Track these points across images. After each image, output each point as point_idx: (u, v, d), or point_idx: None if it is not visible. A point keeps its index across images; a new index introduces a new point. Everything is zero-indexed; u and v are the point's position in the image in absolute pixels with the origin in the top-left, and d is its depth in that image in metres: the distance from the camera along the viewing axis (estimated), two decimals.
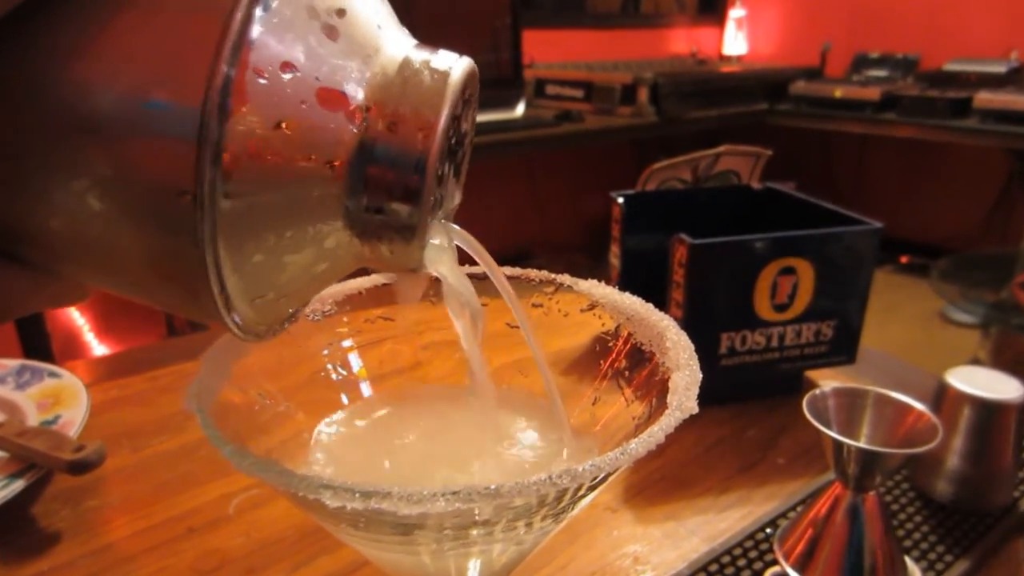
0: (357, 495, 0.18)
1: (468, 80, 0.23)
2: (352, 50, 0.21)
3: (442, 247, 0.24)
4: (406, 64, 0.22)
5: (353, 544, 0.24)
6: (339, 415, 0.30)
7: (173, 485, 0.52)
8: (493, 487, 0.18)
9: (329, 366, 0.31)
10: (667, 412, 0.22)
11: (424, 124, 0.21)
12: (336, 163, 0.20)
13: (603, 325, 0.30)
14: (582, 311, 0.30)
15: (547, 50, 2.71)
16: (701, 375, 0.25)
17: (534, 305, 0.31)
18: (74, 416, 0.55)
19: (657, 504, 0.49)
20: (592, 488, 0.23)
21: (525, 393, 0.32)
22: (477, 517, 0.21)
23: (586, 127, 2.22)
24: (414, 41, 0.23)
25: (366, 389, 0.32)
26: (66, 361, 0.74)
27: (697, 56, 3.20)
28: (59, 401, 0.58)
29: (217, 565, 0.44)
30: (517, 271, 0.32)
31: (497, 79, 2.25)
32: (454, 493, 0.18)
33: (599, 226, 0.71)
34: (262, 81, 0.18)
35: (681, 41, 3.32)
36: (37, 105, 0.19)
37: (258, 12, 0.18)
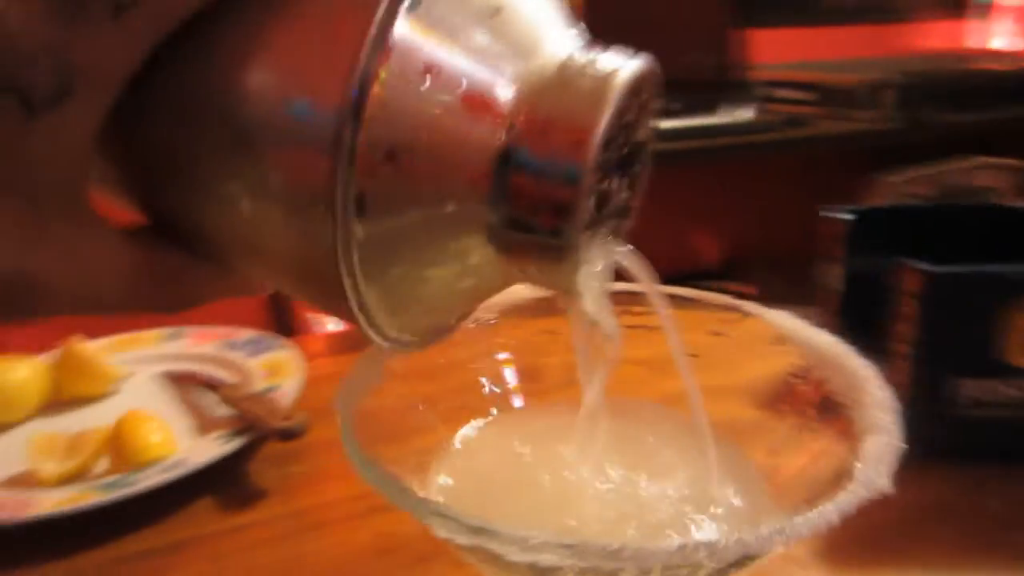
0: (465, 528, 0.17)
1: (640, 83, 0.20)
2: (505, 52, 0.19)
3: (596, 271, 0.22)
4: (566, 66, 0.20)
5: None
6: (478, 426, 0.29)
7: None
8: (612, 548, 0.16)
9: (483, 379, 0.30)
10: (851, 487, 0.19)
11: (579, 131, 0.19)
12: (478, 173, 0.19)
13: (791, 363, 0.26)
14: (770, 344, 0.27)
15: (777, 49, 2.55)
16: (903, 445, 0.21)
17: (714, 333, 0.28)
18: (291, 386, 0.60)
19: (857, 568, 0.43)
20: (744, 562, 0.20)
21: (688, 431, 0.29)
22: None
23: (815, 132, 2.07)
24: (583, 41, 0.21)
25: (518, 403, 0.31)
26: (302, 335, 0.80)
27: (957, 53, 2.85)
28: (281, 371, 0.63)
29: (393, 546, 0.46)
30: (699, 294, 0.29)
31: (716, 81, 2.16)
32: (568, 546, 0.16)
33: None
34: (401, 88, 0.18)
35: (938, 36, 2.98)
36: (199, 114, 0.19)
37: (401, 16, 0.17)
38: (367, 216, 0.18)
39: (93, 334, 0.70)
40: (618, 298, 0.29)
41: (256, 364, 0.66)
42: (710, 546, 0.16)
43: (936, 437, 0.51)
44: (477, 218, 0.20)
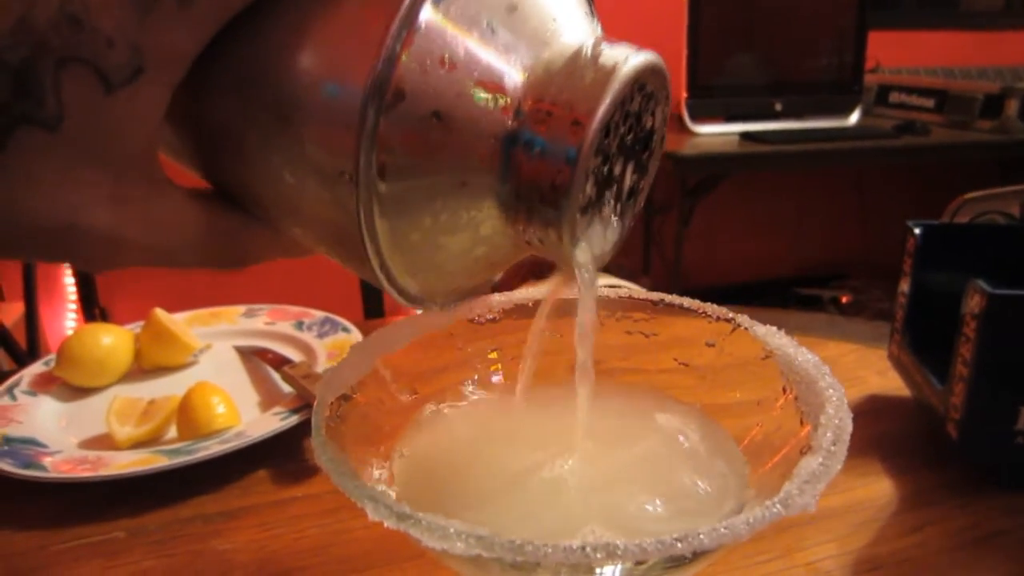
0: (394, 515, 0.18)
1: (643, 75, 0.22)
2: (519, 43, 0.21)
3: (594, 245, 0.23)
4: (575, 57, 0.21)
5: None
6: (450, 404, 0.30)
7: None
8: (517, 542, 0.16)
9: (473, 374, 0.31)
10: (768, 503, 0.19)
11: (578, 118, 0.21)
12: (489, 152, 0.21)
13: (772, 378, 0.26)
14: (759, 359, 0.27)
15: (900, 53, 2.42)
16: (838, 467, 0.20)
17: (708, 344, 0.28)
18: None
19: None
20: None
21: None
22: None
23: (931, 141, 1.95)
24: (598, 33, 0.23)
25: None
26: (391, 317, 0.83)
27: None
28: (344, 354, 0.66)
29: None
30: (695, 303, 0.29)
31: (833, 83, 2.08)
32: (479, 538, 0.17)
33: None
34: (421, 75, 0.20)
35: None
36: (248, 91, 0.22)
37: (426, 6, 0.19)
38: (387, 188, 0.21)
39: (180, 307, 0.75)
40: (619, 304, 0.30)
41: (323, 345, 0.69)
42: (607, 548, 0.16)
43: (992, 463, 0.49)
44: (488, 191, 0.22)
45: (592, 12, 0.24)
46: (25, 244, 0.21)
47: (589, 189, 0.22)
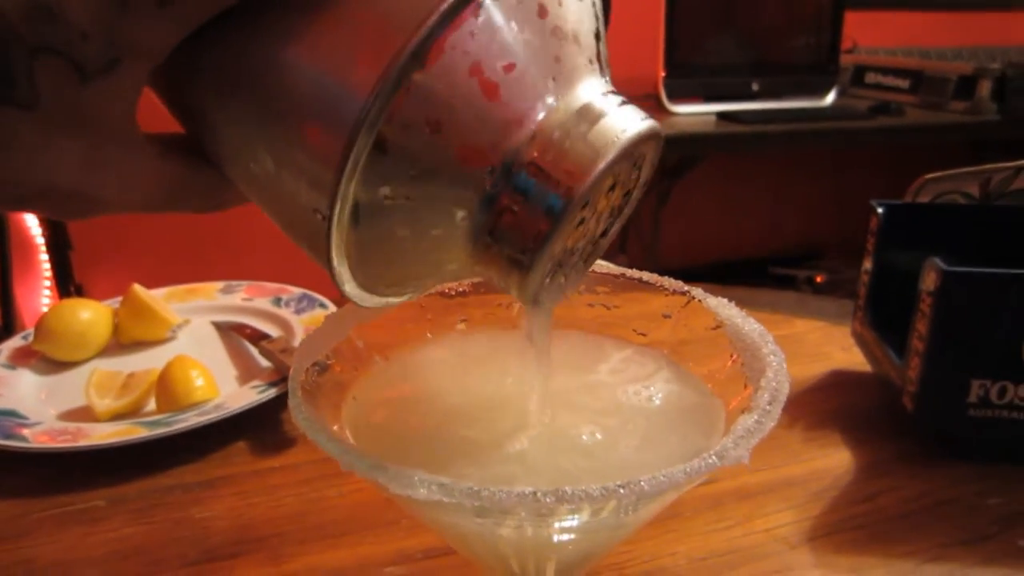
0: (365, 465, 0.19)
1: (638, 146, 0.22)
2: (510, 107, 0.20)
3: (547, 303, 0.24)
4: (571, 122, 0.21)
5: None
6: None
7: None
8: (474, 488, 0.18)
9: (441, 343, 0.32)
10: (705, 455, 0.20)
11: (569, 180, 0.20)
12: (465, 215, 0.21)
13: (722, 347, 0.28)
14: (710, 329, 0.28)
15: (875, 33, 2.44)
16: (772, 424, 0.22)
17: (664, 316, 0.30)
18: None
19: (845, 553, 0.44)
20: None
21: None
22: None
23: (905, 122, 1.97)
24: (602, 90, 0.22)
25: None
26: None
27: None
28: None
29: None
30: (654, 277, 0.30)
31: (809, 64, 2.10)
32: (440, 485, 0.18)
33: None
34: (406, 134, 0.19)
35: None
36: (231, 96, 0.22)
37: (414, 69, 0.19)
38: (361, 228, 0.21)
39: (156, 284, 0.76)
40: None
41: (300, 321, 0.70)
42: (557, 493, 0.18)
43: (945, 434, 0.51)
44: (460, 239, 0.22)
45: (597, 58, 0.23)
46: (2, 202, 0.22)
47: (560, 248, 0.22)
